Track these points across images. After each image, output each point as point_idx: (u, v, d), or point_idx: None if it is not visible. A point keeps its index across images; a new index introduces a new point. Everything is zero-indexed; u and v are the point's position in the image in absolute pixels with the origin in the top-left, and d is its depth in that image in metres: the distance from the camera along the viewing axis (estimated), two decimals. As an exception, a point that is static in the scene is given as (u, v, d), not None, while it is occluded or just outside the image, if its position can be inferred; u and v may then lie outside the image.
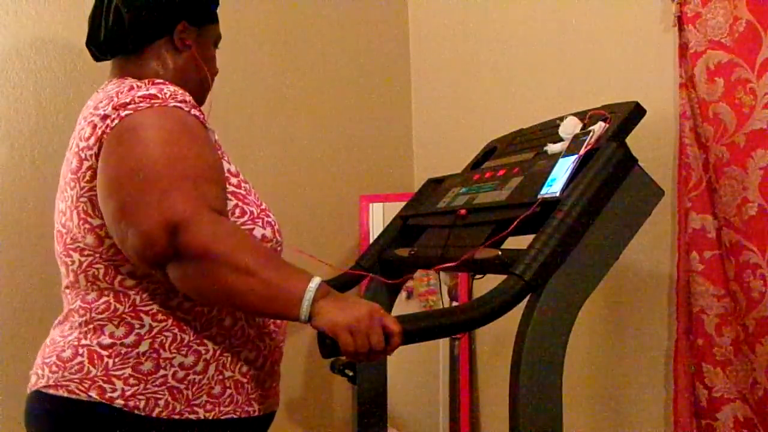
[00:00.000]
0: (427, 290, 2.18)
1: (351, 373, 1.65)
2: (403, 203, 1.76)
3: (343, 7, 2.27)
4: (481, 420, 2.16)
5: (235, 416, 1.08)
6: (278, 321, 1.16)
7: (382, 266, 1.63)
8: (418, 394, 2.19)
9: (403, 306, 2.06)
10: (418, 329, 1.05)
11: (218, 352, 1.07)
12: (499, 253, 1.20)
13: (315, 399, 2.17)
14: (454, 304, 2.13)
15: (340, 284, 1.58)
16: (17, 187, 1.71)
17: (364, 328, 0.96)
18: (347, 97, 2.27)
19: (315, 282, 0.97)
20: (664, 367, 1.62)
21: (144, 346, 1.03)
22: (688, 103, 1.51)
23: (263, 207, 1.14)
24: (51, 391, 1.03)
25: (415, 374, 2.18)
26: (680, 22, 1.51)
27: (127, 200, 0.96)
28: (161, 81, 1.07)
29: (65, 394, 1.02)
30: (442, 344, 2.18)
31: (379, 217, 2.21)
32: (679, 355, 1.55)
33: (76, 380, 1.02)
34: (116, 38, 1.13)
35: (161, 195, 0.95)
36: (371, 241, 1.78)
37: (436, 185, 1.69)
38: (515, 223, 1.19)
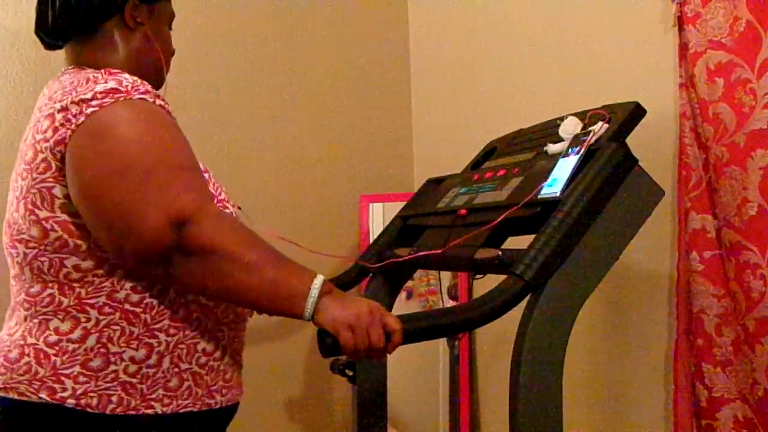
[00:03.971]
0: (427, 290, 2.18)
1: (351, 373, 1.65)
2: (403, 203, 1.76)
3: (343, 7, 2.27)
4: (481, 420, 2.16)
5: (195, 409, 1.06)
6: (239, 310, 1.14)
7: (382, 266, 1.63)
8: (418, 394, 2.19)
9: (403, 306, 2.06)
10: (418, 328, 1.05)
11: (172, 344, 1.03)
12: (499, 253, 1.21)
13: (315, 399, 2.17)
14: (454, 304, 2.13)
15: (340, 284, 1.58)
16: (17, 187, 1.71)
17: (364, 325, 0.96)
18: (347, 97, 2.27)
19: (319, 280, 0.97)
20: (664, 367, 1.62)
21: (91, 341, 0.99)
22: (688, 103, 1.51)
23: (221, 197, 1.13)
24: (1, 394, 1.01)
25: (415, 374, 2.18)
26: (680, 22, 1.51)
27: (123, 200, 0.93)
28: (117, 71, 1.04)
29: (16, 397, 1.00)
30: (442, 344, 2.18)
31: (379, 217, 2.21)
32: (679, 355, 1.55)
33: (25, 382, 0.99)
34: (64, 21, 1.09)
35: (160, 189, 0.93)
36: (371, 241, 1.78)
37: (436, 185, 1.69)
38: (500, 218, 1.19)
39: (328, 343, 0.97)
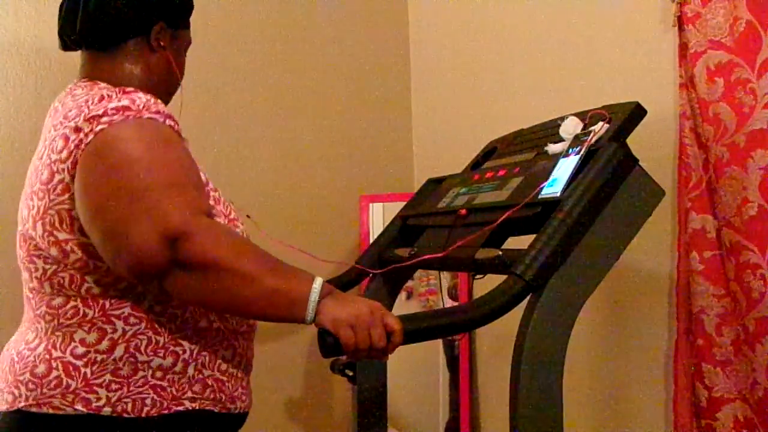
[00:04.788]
0: (427, 290, 2.18)
1: (351, 373, 1.65)
2: (403, 203, 1.76)
3: (343, 7, 2.27)
4: (481, 420, 2.16)
5: (216, 410, 1.08)
6: (251, 321, 1.16)
7: (382, 266, 1.62)
8: (418, 394, 2.19)
9: (403, 306, 2.05)
10: (418, 329, 1.05)
11: (195, 351, 1.06)
12: (500, 253, 1.20)
13: (315, 399, 2.17)
14: (454, 304, 2.13)
15: (340, 285, 1.58)
16: (18, 188, 1.71)
17: (365, 324, 0.96)
18: (347, 97, 2.27)
19: (318, 282, 0.97)
20: (664, 367, 1.62)
21: (119, 351, 1.01)
22: (688, 103, 1.51)
23: (232, 217, 1.14)
24: (34, 410, 1.01)
25: (415, 374, 2.17)
26: (680, 22, 1.51)
27: (116, 218, 0.94)
28: (132, 89, 1.04)
29: (51, 411, 1.00)
30: (442, 344, 2.18)
31: (379, 217, 2.21)
32: (679, 355, 1.55)
33: (57, 396, 1.00)
34: (93, 29, 1.10)
35: (151, 206, 0.93)
36: (371, 241, 1.78)
37: (436, 185, 1.69)
38: (501, 218, 1.19)
39: (328, 342, 0.97)
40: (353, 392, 1.68)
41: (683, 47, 1.52)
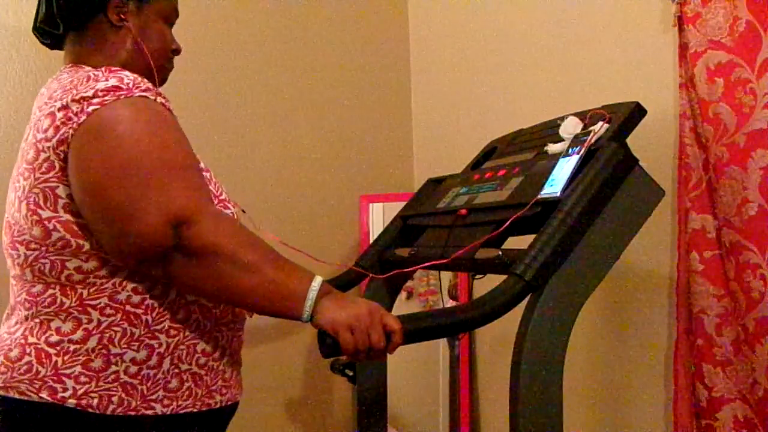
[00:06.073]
0: (427, 290, 2.18)
1: (351, 373, 1.65)
2: (403, 203, 1.76)
3: (343, 7, 2.27)
4: (481, 420, 2.16)
5: (194, 410, 1.06)
6: (237, 310, 1.14)
7: (382, 266, 1.63)
8: (418, 394, 2.19)
9: (403, 306, 2.06)
10: (418, 329, 1.05)
11: (172, 345, 1.04)
12: (500, 253, 1.21)
13: (315, 399, 2.17)
14: (454, 304, 2.13)
15: (340, 284, 1.58)
16: (17, 187, 1.71)
17: (364, 326, 0.96)
18: (347, 97, 2.27)
19: (317, 281, 0.97)
20: (664, 367, 1.62)
21: (92, 342, 0.99)
22: (688, 103, 1.51)
23: (222, 197, 1.12)
24: (1, 393, 1.01)
25: (415, 374, 2.18)
26: (680, 22, 1.51)
27: (123, 199, 0.94)
28: (118, 68, 1.03)
29: (16, 396, 0.99)
30: (442, 344, 2.18)
31: (379, 217, 2.21)
32: (679, 355, 1.55)
33: (26, 381, 0.99)
34: (48, 21, 1.10)
35: (159, 189, 0.94)
36: (371, 241, 1.78)
37: (436, 185, 1.69)
38: (508, 222, 1.19)
39: (328, 343, 0.97)
40: (353, 392, 1.68)
41: (683, 47, 1.52)
